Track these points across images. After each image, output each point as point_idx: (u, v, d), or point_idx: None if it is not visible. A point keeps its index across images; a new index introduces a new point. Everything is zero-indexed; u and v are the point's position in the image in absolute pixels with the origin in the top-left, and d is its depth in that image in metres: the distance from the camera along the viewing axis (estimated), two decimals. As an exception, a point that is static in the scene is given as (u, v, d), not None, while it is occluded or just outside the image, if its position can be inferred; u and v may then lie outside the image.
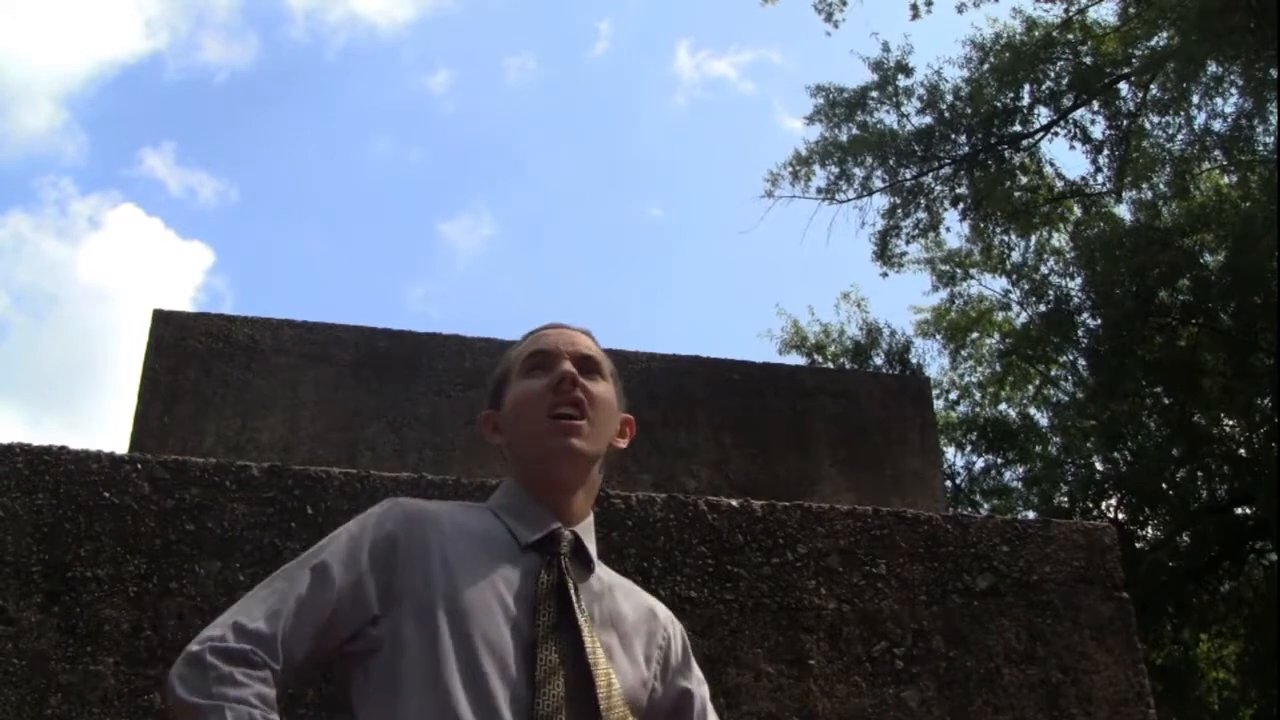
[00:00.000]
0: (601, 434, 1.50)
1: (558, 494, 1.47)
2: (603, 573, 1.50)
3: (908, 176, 14.77)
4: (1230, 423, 14.34)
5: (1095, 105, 14.19)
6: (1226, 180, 14.43)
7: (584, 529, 1.48)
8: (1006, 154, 14.48)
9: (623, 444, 1.55)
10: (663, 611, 1.54)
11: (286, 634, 1.29)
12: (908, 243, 15.14)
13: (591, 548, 1.48)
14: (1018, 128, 14.33)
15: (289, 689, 1.36)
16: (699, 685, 1.52)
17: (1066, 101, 14.17)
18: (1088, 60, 13.94)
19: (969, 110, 14.21)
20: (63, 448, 2.34)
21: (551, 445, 1.46)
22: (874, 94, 14.69)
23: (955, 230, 15.65)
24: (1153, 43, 13.50)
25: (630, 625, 1.46)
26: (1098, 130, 14.29)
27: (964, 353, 17.11)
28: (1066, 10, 13.85)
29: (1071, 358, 15.59)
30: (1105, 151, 14.24)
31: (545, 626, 1.34)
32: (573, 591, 1.38)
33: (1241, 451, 14.01)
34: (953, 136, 14.48)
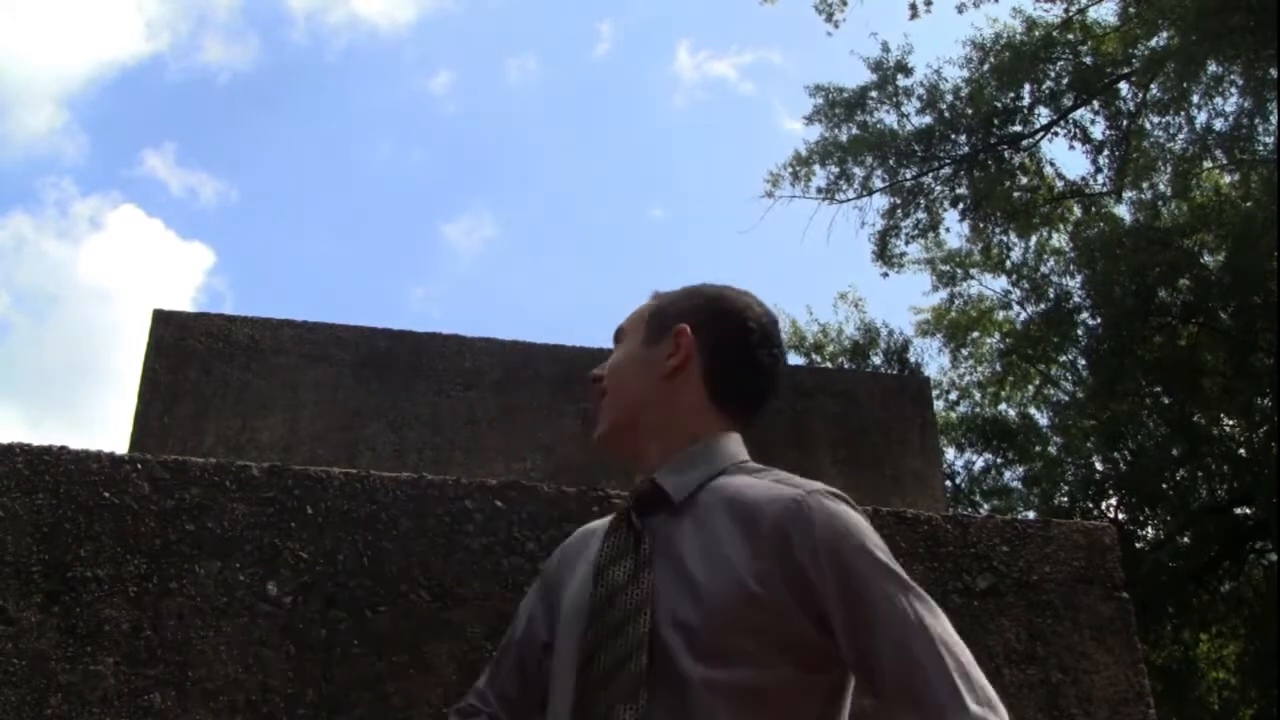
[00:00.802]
0: (619, 398, 1.49)
1: (639, 460, 1.49)
2: (716, 492, 1.37)
3: (908, 176, 14.78)
4: (1230, 423, 14.34)
5: (1095, 105, 14.19)
6: (1227, 180, 14.44)
7: (669, 470, 1.39)
8: (1006, 154, 14.48)
9: (674, 363, 1.47)
10: (799, 501, 1.30)
11: (495, 681, 1.52)
12: (907, 243, 15.16)
13: (676, 482, 1.37)
14: (1018, 128, 14.34)
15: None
16: (841, 573, 1.24)
17: (1066, 101, 14.17)
18: (1088, 60, 13.94)
19: (969, 110, 14.21)
20: (63, 448, 2.34)
21: (598, 430, 1.56)
22: (873, 94, 14.69)
23: (955, 230, 15.64)
24: (1153, 43, 13.50)
25: (731, 542, 1.28)
26: (1098, 130, 14.31)
27: (964, 352, 17.13)
28: (1066, 10, 13.85)
29: (1071, 357, 15.60)
30: (1105, 151, 14.25)
31: (601, 596, 1.30)
32: (630, 541, 1.33)
33: (1241, 451, 14.01)
34: (953, 136, 14.48)
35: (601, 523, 1.52)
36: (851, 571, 1.24)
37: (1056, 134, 14.41)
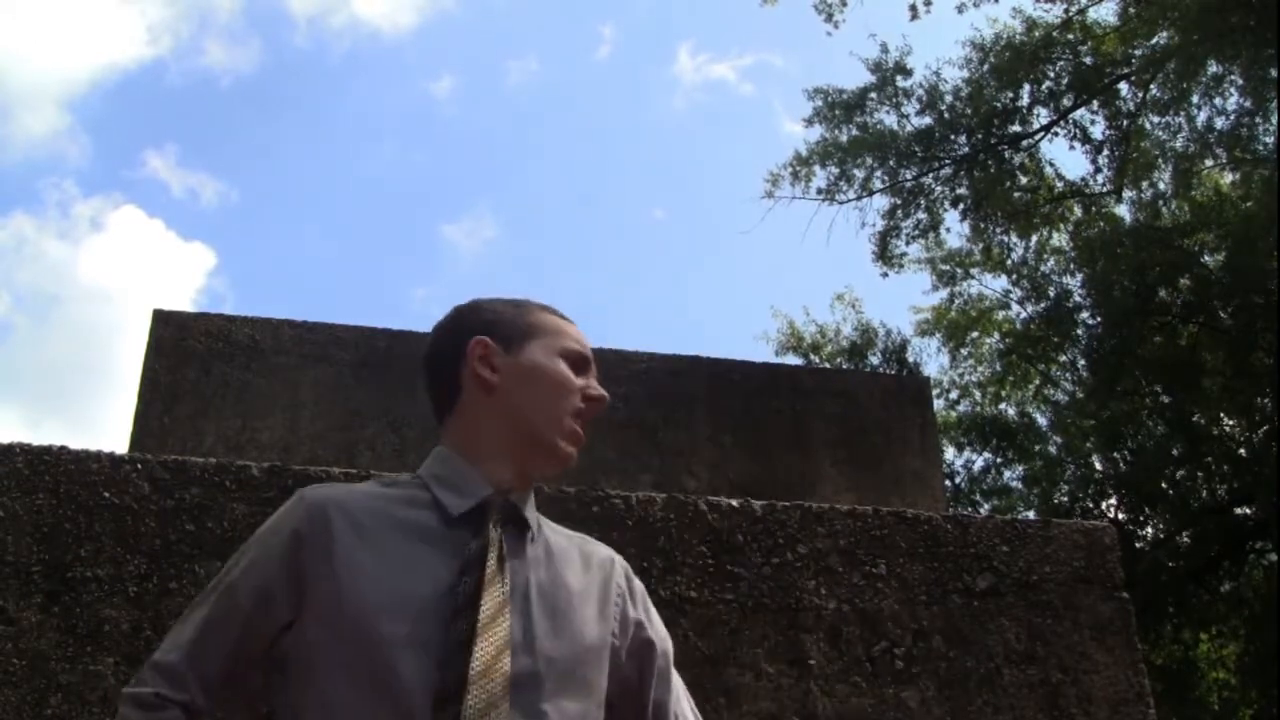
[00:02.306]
0: None
1: (525, 474, 1.43)
2: (550, 534, 1.44)
3: (908, 177, 14.78)
4: (1230, 423, 14.34)
5: (1095, 105, 14.19)
6: (1227, 180, 14.44)
7: (520, 498, 1.42)
8: (1006, 154, 14.48)
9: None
10: (619, 560, 1.49)
11: (198, 662, 1.32)
12: (908, 243, 15.15)
13: (531, 516, 1.42)
14: (1018, 128, 14.34)
15: (223, 702, 1.37)
16: (662, 640, 1.47)
17: (1066, 101, 14.17)
18: (1088, 60, 13.94)
19: (969, 111, 14.21)
20: (63, 448, 2.33)
21: (561, 447, 1.44)
22: (873, 95, 14.69)
23: (955, 230, 15.65)
24: (1153, 42, 13.50)
25: (582, 584, 1.40)
26: (1098, 130, 14.31)
27: (964, 352, 17.13)
28: (1066, 10, 13.85)
29: (1071, 357, 15.59)
30: (1105, 151, 14.24)
31: (460, 602, 1.27)
32: (494, 562, 1.32)
33: (1241, 451, 14.00)
34: (952, 137, 14.48)
35: (365, 490, 1.40)
36: (666, 637, 1.49)
37: (1056, 134, 14.42)
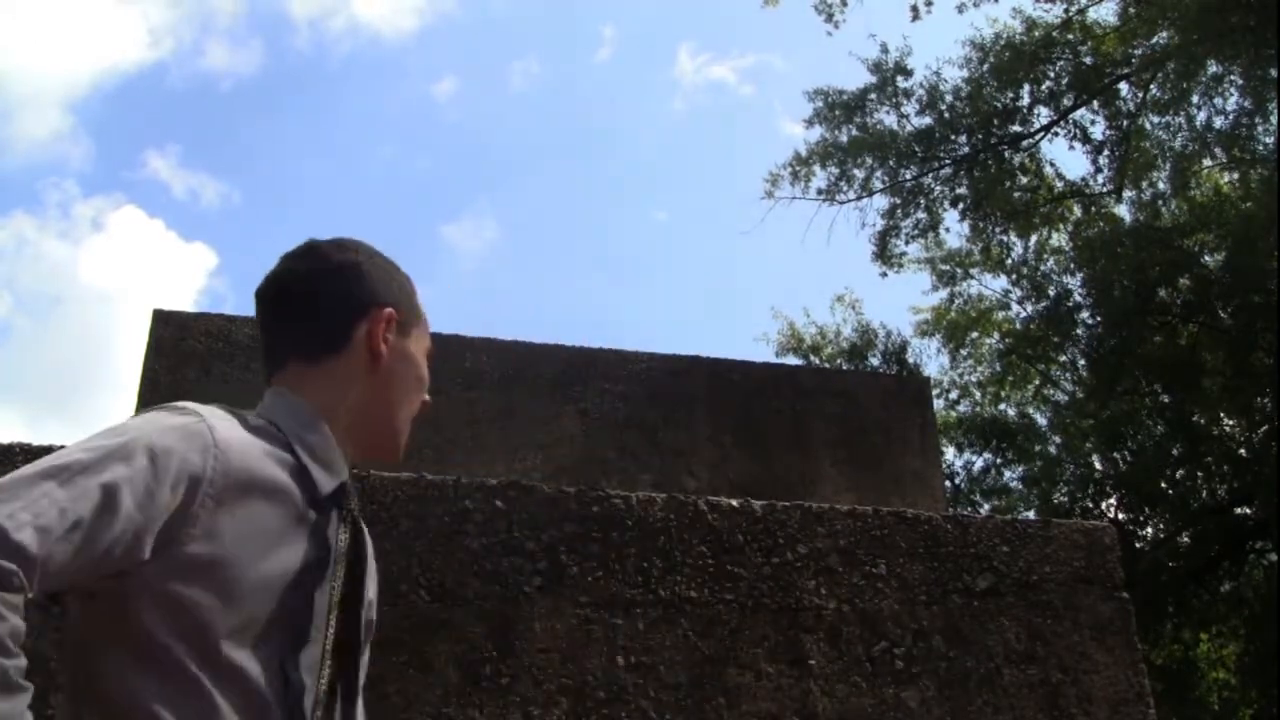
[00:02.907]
0: None
1: (357, 455, 1.38)
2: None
3: (908, 177, 14.77)
4: (1230, 422, 14.34)
5: (1095, 105, 14.19)
6: (1227, 180, 14.44)
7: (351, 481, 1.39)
8: (1006, 154, 14.48)
9: None
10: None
11: (52, 559, 1.09)
12: (907, 243, 15.15)
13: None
14: (1018, 128, 14.33)
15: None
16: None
17: (1066, 101, 14.16)
18: (1088, 60, 13.94)
19: (969, 111, 14.20)
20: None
21: (400, 444, 1.43)
22: (873, 96, 14.68)
23: (955, 230, 15.63)
24: (1153, 42, 13.50)
25: (371, 566, 1.39)
26: (1098, 130, 14.30)
27: (964, 352, 17.13)
28: (1066, 10, 13.84)
29: (1071, 357, 15.59)
30: (1105, 151, 14.24)
31: (336, 595, 1.24)
32: (366, 555, 1.32)
33: (1241, 451, 14.01)
34: (952, 137, 14.47)
35: (245, 440, 1.23)
36: None
37: (1056, 134, 14.41)
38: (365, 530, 1.36)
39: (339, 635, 1.24)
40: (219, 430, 1.20)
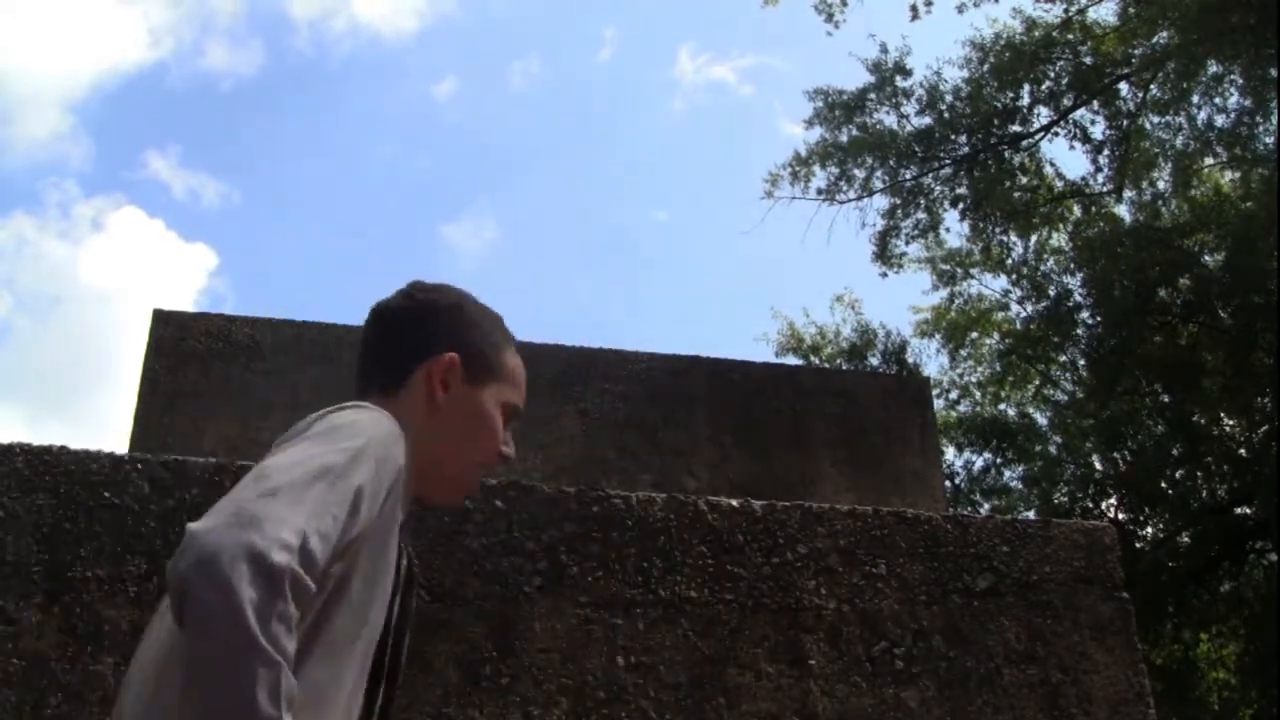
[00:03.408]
0: None
1: (417, 497, 1.42)
2: None
3: (908, 177, 14.77)
4: (1230, 422, 14.34)
5: (1095, 105, 14.18)
6: (1227, 179, 14.44)
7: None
8: (1006, 154, 14.47)
9: None
10: None
11: (322, 566, 1.11)
12: (907, 243, 15.14)
13: None
14: (1018, 128, 14.32)
15: None
16: None
17: (1066, 101, 14.16)
18: (1088, 60, 13.93)
19: (969, 110, 14.20)
20: (63, 448, 2.33)
21: (459, 498, 1.46)
22: (873, 95, 14.67)
23: (955, 230, 15.63)
24: (1153, 42, 13.50)
25: None
26: (1098, 130, 14.29)
27: (963, 352, 17.12)
28: (1066, 10, 13.84)
29: (1071, 357, 15.59)
30: (1105, 151, 14.24)
31: (398, 618, 1.33)
32: (415, 589, 1.39)
33: (1241, 451, 14.01)
34: (952, 137, 14.47)
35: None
36: None
37: (1056, 134, 14.40)
38: (415, 564, 1.42)
39: (392, 661, 1.31)
40: (397, 431, 1.28)
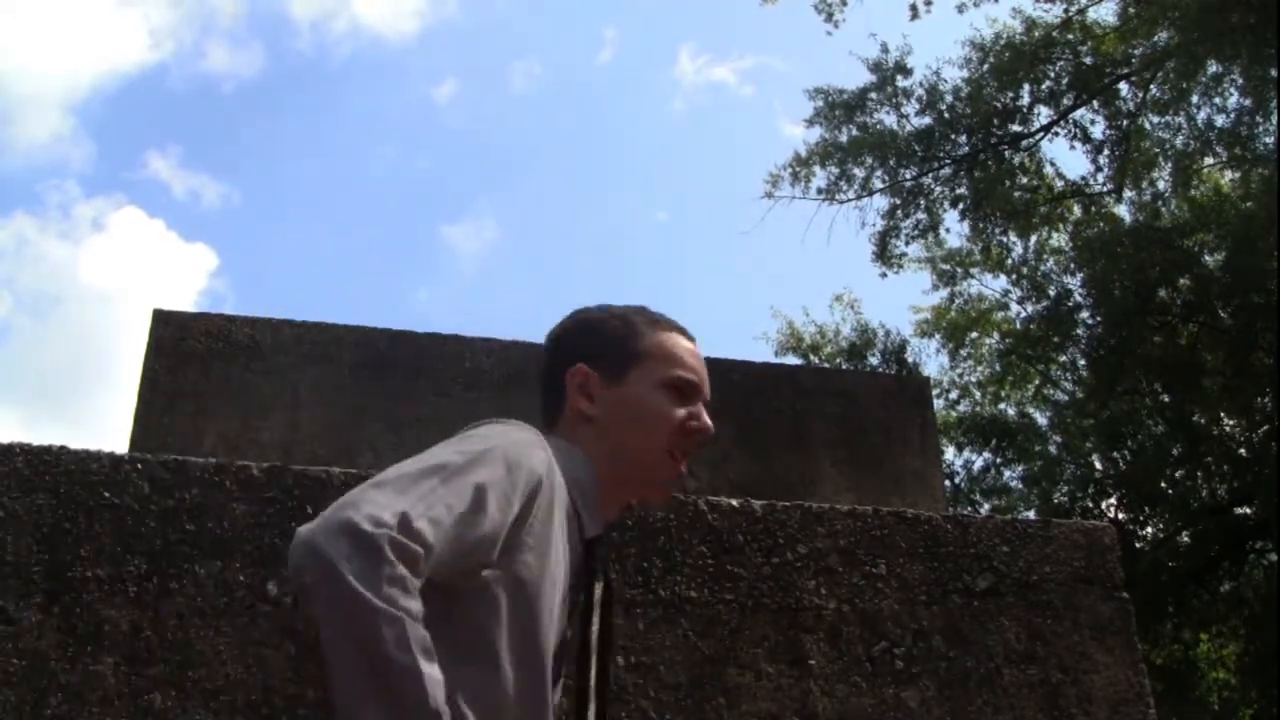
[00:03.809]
0: None
1: (621, 504, 1.45)
2: None
3: (908, 177, 14.76)
4: (1230, 422, 14.33)
5: (1095, 105, 14.18)
6: (1227, 179, 14.44)
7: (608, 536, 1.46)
8: (1006, 154, 14.47)
9: None
10: None
11: (438, 551, 1.13)
12: (907, 243, 15.13)
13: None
14: (1018, 128, 14.32)
15: None
16: None
17: (1066, 101, 14.16)
18: (1088, 60, 13.93)
19: (969, 110, 14.19)
20: (63, 448, 2.33)
21: (660, 482, 1.44)
22: (873, 95, 14.67)
23: (955, 230, 15.63)
24: (1153, 42, 13.50)
25: None
26: (1098, 130, 14.29)
27: (963, 352, 17.12)
28: (1066, 10, 13.84)
29: (1071, 357, 15.59)
30: (1105, 151, 14.23)
31: (594, 638, 1.34)
32: (614, 609, 1.39)
33: (1241, 451, 14.00)
34: (953, 137, 14.47)
35: (562, 498, 1.31)
36: None
37: (1056, 134, 14.40)
38: (613, 581, 1.43)
39: (599, 682, 1.33)
40: (549, 452, 1.31)
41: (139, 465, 2.34)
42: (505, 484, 1.21)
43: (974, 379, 17.37)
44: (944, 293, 16.47)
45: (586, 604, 1.33)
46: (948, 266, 16.19)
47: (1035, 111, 14.31)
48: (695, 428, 1.43)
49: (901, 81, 14.55)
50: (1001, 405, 17.09)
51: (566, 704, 1.31)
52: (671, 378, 1.44)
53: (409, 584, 1.07)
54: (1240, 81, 12.84)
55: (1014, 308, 16.22)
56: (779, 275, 32.17)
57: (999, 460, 16.52)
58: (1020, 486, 16.47)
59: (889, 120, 14.81)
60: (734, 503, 2.58)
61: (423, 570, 1.10)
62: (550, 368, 1.48)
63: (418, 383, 3.53)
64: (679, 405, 1.43)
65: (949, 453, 16.27)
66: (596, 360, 1.44)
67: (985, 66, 14.18)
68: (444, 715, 1.04)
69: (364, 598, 1.03)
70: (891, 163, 14.66)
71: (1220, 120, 13.61)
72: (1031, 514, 15.42)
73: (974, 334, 16.99)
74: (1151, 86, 13.78)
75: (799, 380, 3.98)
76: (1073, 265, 14.85)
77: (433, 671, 1.05)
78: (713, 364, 3.97)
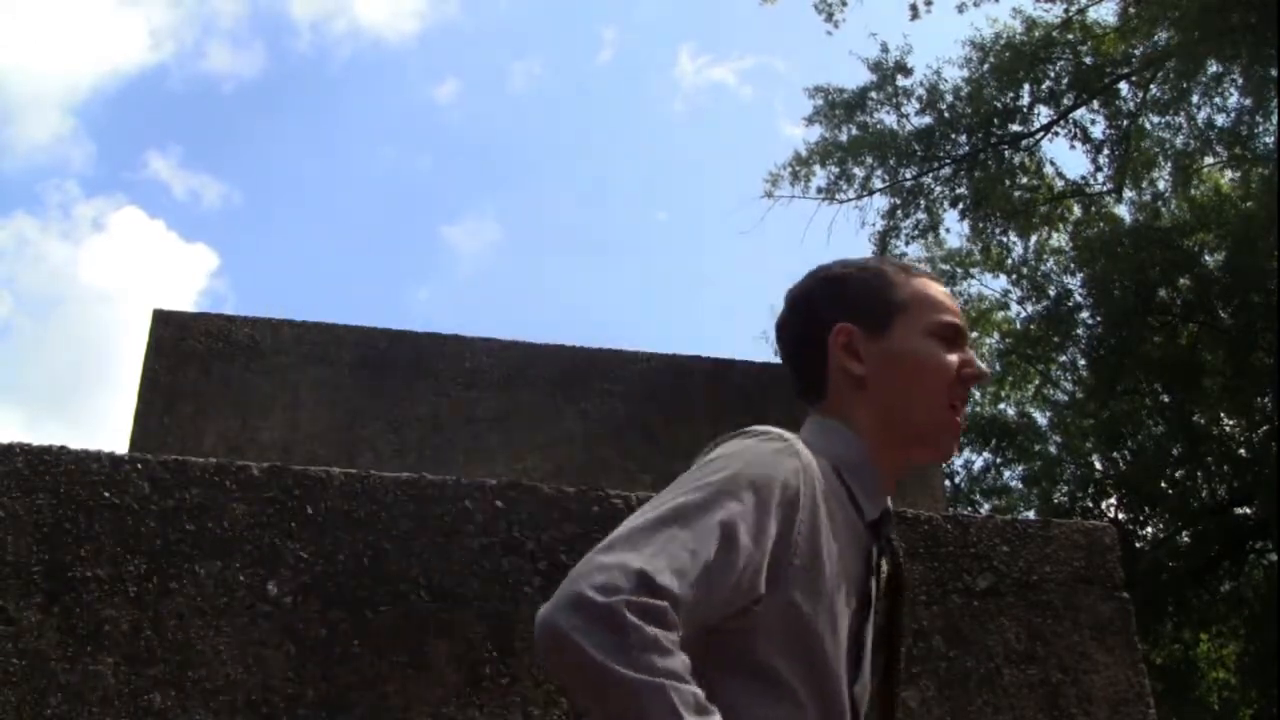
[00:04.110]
0: None
1: (901, 470, 1.34)
2: None
3: (908, 177, 14.76)
4: (1230, 422, 14.34)
5: (1095, 105, 14.18)
6: (1227, 179, 14.44)
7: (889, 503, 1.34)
8: (1006, 154, 14.47)
9: None
10: None
11: (691, 602, 1.05)
12: (907, 243, 15.13)
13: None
14: (1018, 127, 14.33)
15: None
16: None
17: (1066, 101, 14.16)
18: (1088, 60, 13.93)
19: (969, 110, 14.20)
20: (63, 448, 2.33)
21: (941, 438, 1.33)
22: (873, 95, 14.67)
23: (955, 230, 15.65)
24: (1153, 42, 13.50)
25: None
26: (1098, 130, 14.30)
27: (963, 352, 17.10)
28: (1066, 10, 13.84)
29: (1071, 357, 15.59)
30: (1105, 151, 14.24)
31: (878, 628, 1.26)
32: (907, 585, 1.32)
33: (1241, 451, 14.01)
34: (953, 136, 14.47)
35: (832, 490, 1.23)
36: None
37: (1056, 134, 14.41)
38: (902, 562, 1.34)
39: (888, 667, 1.26)
40: (803, 454, 1.21)
41: (139, 465, 2.34)
42: (755, 511, 1.12)
43: (974, 379, 17.36)
44: (943, 293, 16.46)
45: (877, 590, 1.25)
46: (948, 266, 16.19)
47: (1035, 111, 14.32)
48: (971, 374, 1.33)
49: (902, 81, 14.56)
50: (1001, 405, 17.10)
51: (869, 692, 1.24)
52: (938, 323, 1.34)
53: (663, 643, 1.00)
54: (1240, 81, 12.84)
55: (1014, 308, 16.24)
56: (779, 275, 32.17)
57: (999, 460, 16.52)
58: (1020, 486, 16.48)
59: (889, 120, 14.82)
60: (734, 503, 2.58)
61: (674, 622, 1.02)
62: (801, 335, 1.38)
63: (418, 383, 3.53)
64: (949, 352, 1.33)
65: (949, 453, 16.24)
66: (856, 316, 1.34)
67: (985, 66, 14.18)
68: None
69: (615, 673, 0.97)
70: (891, 162, 14.66)
71: (1220, 120, 13.63)
72: (1031, 514, 15.43)
73: (974, 334, 17.00)
74: (1151, 86, 13.79)
75: (799, 380, 3.98)
76: (1073, 265, 14.86)
77: None
78: (713, 364, 3.99)
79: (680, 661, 1.01)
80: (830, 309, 1.35)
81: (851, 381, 1.33)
